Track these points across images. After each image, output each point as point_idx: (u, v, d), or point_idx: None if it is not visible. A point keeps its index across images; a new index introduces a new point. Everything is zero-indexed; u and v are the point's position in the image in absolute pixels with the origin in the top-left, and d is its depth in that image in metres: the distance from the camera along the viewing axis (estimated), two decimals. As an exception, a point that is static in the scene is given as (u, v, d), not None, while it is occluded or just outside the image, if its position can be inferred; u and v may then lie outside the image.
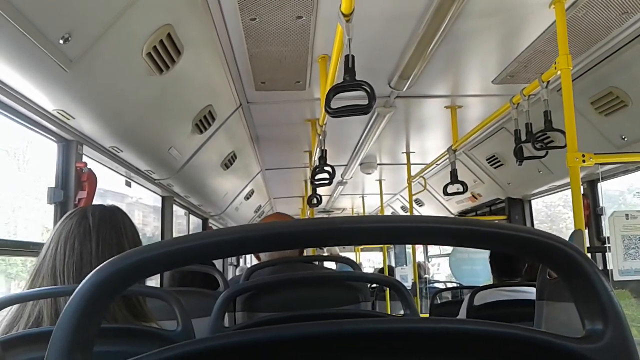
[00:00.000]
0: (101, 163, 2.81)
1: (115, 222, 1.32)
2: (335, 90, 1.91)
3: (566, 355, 0.52)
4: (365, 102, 1.91)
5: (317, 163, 3.32)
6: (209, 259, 0.54)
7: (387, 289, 5.03)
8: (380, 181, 6.41)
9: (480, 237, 0.54)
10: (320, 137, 3.24)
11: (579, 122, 2.35)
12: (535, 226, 4.97)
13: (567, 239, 2.21)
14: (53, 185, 2.33)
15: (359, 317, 1.49)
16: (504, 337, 0.53)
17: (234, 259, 8.06)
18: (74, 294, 0.49)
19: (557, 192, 4.40)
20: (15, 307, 1.23)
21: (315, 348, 0.54)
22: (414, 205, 6.24)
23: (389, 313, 5.34)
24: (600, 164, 2.32)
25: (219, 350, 0.51)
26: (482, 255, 5.50)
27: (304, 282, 1.54)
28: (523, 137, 2.76)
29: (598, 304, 0.53)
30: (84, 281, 0.49)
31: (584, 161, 2.21)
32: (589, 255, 2.54)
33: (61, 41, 1.67)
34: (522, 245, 0.54)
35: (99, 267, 0.50)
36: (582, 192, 2.31)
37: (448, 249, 6.82)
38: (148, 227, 4.61)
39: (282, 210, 8.98)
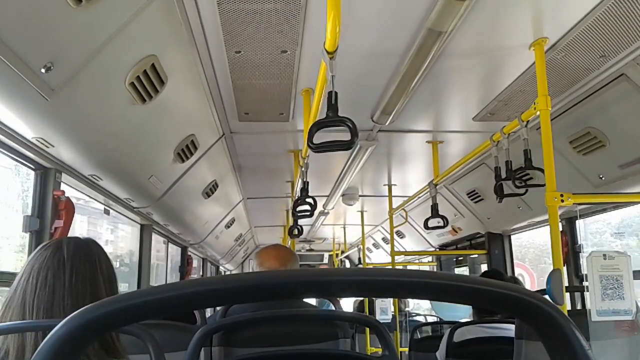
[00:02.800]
0: (79, 190, 2.77)
1: (89, 254, 1.29)
2: (318, 125, 1.92)
3: None
4: (348, 137, 1.92)
5: (299, 194, 3.32)
6: (187, 309, 0.53)
7: (367, 323, 4.98)
8: (362, 212, 6.42)
9: (457, 292, 0.54)
10: (303, 169, 3.25)
11: (558, 160, 2.39)
12: (515, 260, 5.00)
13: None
14: (29, 214, 2.28)
15: (337, 358, 1.48)
16: None
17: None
18: (47, 337, 0.48)
19: (536, 228, 4.44)
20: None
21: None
22: (395, 237, 6.25)
23: (369, 349, 5.29)
24: (579, 203, 2.35)
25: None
26: (462, 289, 5.50)
27: (282, 319, 1.52)
28: (503, 175, 2.79)
29: None
30: (59, 325, 0.48)
31: (562, 201, 2.24)
32: (567, 295, 2.55)
33: (43, 70, 1.66)
34: (500, 302, 0.53)
35: (78, 311, 0.49)
36: (560, 229, 2.34)
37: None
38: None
39: (263, 241, 8.92)
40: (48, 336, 0.48)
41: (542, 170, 2.32)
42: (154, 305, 0.49)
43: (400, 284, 0.53)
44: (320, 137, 1.99)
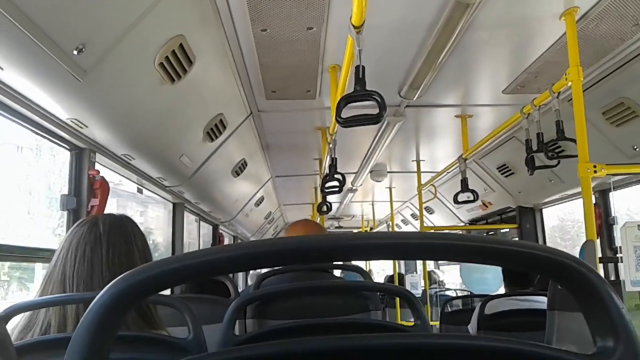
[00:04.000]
0: (113, 170, 2.84)
1: (125, 230, 1.33)
2: (346, 100, 1.92)
3: None
4: (376, 111, 1.91)
5: (327, 171, 3.33)
6: (219, 274, 0.55)
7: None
8: (390, 189, 6.41)
9: (489, 254, 0.54)
10: (331, 146, 3.25)
11: (590, 132, 2.35)
12: (547, 234, 4.94)
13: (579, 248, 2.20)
14: (66, 193, 2.35)
15: (370, 327, 1.50)
16: (514, 352, 0.53)
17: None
18: (90, 305, 0.50)
19: (569, 201, 4.38)
20: (28, 313, 1.24)
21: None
22: (424, 212, 6.23)
23: (399, 322, 5.32)
24: (612, 174, 2.31)
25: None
26: (492, 264, 5.47)
27: (314, 291, 1.54)
28: (534, 147, 2.75)
29: (609, 320, 0.52)
30: (101, 293, 0.50)
31: (595, 172, 2.21)
32: (600, 265, 2.51)
33: (75, 52, 1.69)
34: (533, 263, 0.54)
35: (117, 279, 0.51)
36: (593, 201, 2.30)
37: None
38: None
39: (292, 218, 8.99)
40: (92, 304, 0.51)
41: (574, 141, 2.28)
42: (191, 269, 0.51)
43: (433, 246, 0.54)
44: (347, 113, 1.99)
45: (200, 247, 5.49)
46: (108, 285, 0.51)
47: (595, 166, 2.20)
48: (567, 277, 0.54)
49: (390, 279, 6.78)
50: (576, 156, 2.24)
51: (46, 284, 1.27)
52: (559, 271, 0.53)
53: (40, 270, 2.31)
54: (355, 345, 0.54)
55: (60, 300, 1.21)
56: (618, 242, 3.35)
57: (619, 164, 2.32)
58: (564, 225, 7.30)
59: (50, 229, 2.76)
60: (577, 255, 2.28)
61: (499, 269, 3.95)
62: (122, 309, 0.51)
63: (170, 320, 1.43)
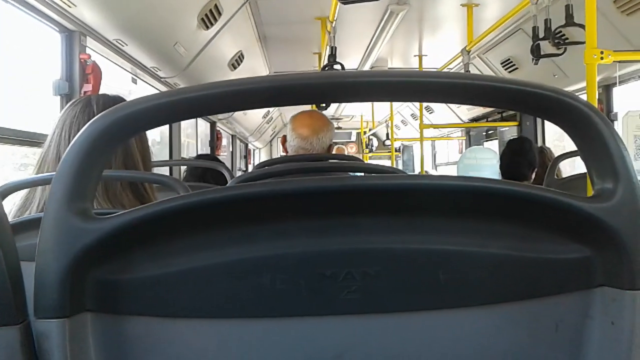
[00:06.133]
0: (106, 58, 2.75)
1: None
2: (346, -24, 1.82)
3: (574, 215, 0.51)
4: (378, -10, 1.82)
5: (326, 61, 3.24)
6: (211, 112, 0.52)
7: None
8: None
9: (489, 93, 0.52)
10: (331, 34, 3.14)
11: (600, 21, 2.24)
12: (547, 137, 4.91)
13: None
14: (58, 78, 2.30)
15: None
16: (513, 195, 0.52)
17: (243, 165, 8.13)
18: (74, 140, 0.48)
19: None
20: (24, 192, 1.24)
21: (320, 203, 0.53)
22: (424, 112, 6.18)
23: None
24: (619, 61, 2.24)
25: (223, 201, 0.50)
26: (490, 162, 5.49)
27: (313, 172, 1.53)
28: (541, 34, 2.66)
29: (609, 162, 0.51)
30: (85, 126, 0.48)
31: (602, 58, 2.14)
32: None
33: None
34: (530, 102, 0.51)
35: (100, 114, 0.49)
36: (597, 96, 2.25)
37: (455, 157, 6.81)
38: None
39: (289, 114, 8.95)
40: (74, 140, 0.48)
41: (583, 26, 2.19)
42: (182, 106, 0.49)
43: (428, 84, 0.51)
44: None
45: (199, 145, 5.49)
46: (91, 121, 0.49)
47: (602, 52, 2.13)
48: (569, 117, 0.51)
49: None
50: (583, 42, 2.16)
51: (41, 164, 1.26)
52: (562, 111, 0.51)
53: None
54: (354, 186, 0.52)
55: (50, 178, 1.20)
56: (620, 132, 3.33)
57: (627, 51, 2.25)
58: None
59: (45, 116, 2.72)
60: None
61: (496, 167, 3.94)
62: (106, 144, 0.49)
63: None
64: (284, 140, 2.08)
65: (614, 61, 2.17)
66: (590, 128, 0.51)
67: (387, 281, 0.51)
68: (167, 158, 4.11)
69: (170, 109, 0.49)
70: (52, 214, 0.47)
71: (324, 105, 4.38)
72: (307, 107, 7.64)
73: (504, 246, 0.52)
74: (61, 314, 0.45)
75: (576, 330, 0.52)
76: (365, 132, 8.96)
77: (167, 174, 3.19)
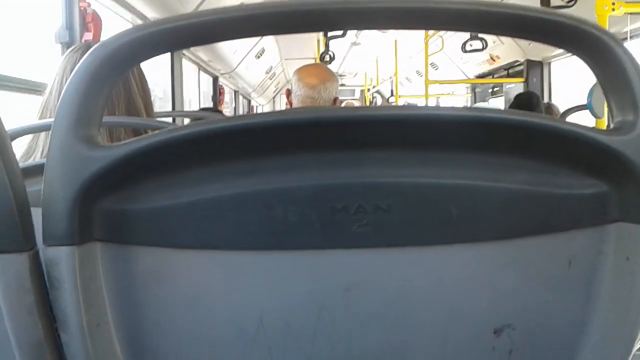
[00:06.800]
0: (106, 7, 2.70)
1: None
2: None
3: (592, 148, 0.49)
4: None
5: None
6: (216, 39, 0.50)
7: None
8: (395, 41, 6.20)
9: (501, 20, 0.49)
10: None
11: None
12: (553, 91, 4.85)
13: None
14: (58, 26, 2.26)
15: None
16: (529, 127, 0.50)
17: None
18: (78, 65, 0.47)
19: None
20: (28, 140, 1.23)
21: (331, 135, 0.51)
22: (430, 69, 6.09)
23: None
24: (631, 13, 2.19)
25: (232, 130, 0.49)
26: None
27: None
28: (552, -15, 2.60)
29: (630, 93, 0.49)
30: (90, 51, 0.46)
31: (613, 9, 2.10)
32: (606, 107, 2.51)
33: None
34: (554, 31, 0.49)
35: (102, 40, 0.47)
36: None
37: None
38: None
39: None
40: (83, 58, 0.47)
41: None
42: (189, 30, 0.47)
43: (439, 11, 0.48)
44: None
45: (201, 99, 5.45)
46: (94, 46, 0.47)
47: (613, 3, 2.08)
48: (589, 46, 0.49)
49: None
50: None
51: (43, 111, 1.24)
52: (581, 40, 0.49)
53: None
54: (365, 116, 0.51)
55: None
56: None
57: (639, 2, 2.20)
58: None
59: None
60: (587, 97, 2.24)
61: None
62: (111, 70, 0.47)
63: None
64: (288, 93, 2.07)
65: (625, 13, 2.13)
66: (609, 58, 0.49)
67: (399, 215, 0.50)
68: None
69: (175, 35, 0.47)
70: (57, 142, 0.46)
71: (327, 60, 4.33)
72: (311, 62, 7.54)
73: (517, 180, 0.51)
74: (70, 241, 0.45)
75: (589, 266, 0.52)
76: (369, 90, 8.87)
77: (170, 127, 3.17)
